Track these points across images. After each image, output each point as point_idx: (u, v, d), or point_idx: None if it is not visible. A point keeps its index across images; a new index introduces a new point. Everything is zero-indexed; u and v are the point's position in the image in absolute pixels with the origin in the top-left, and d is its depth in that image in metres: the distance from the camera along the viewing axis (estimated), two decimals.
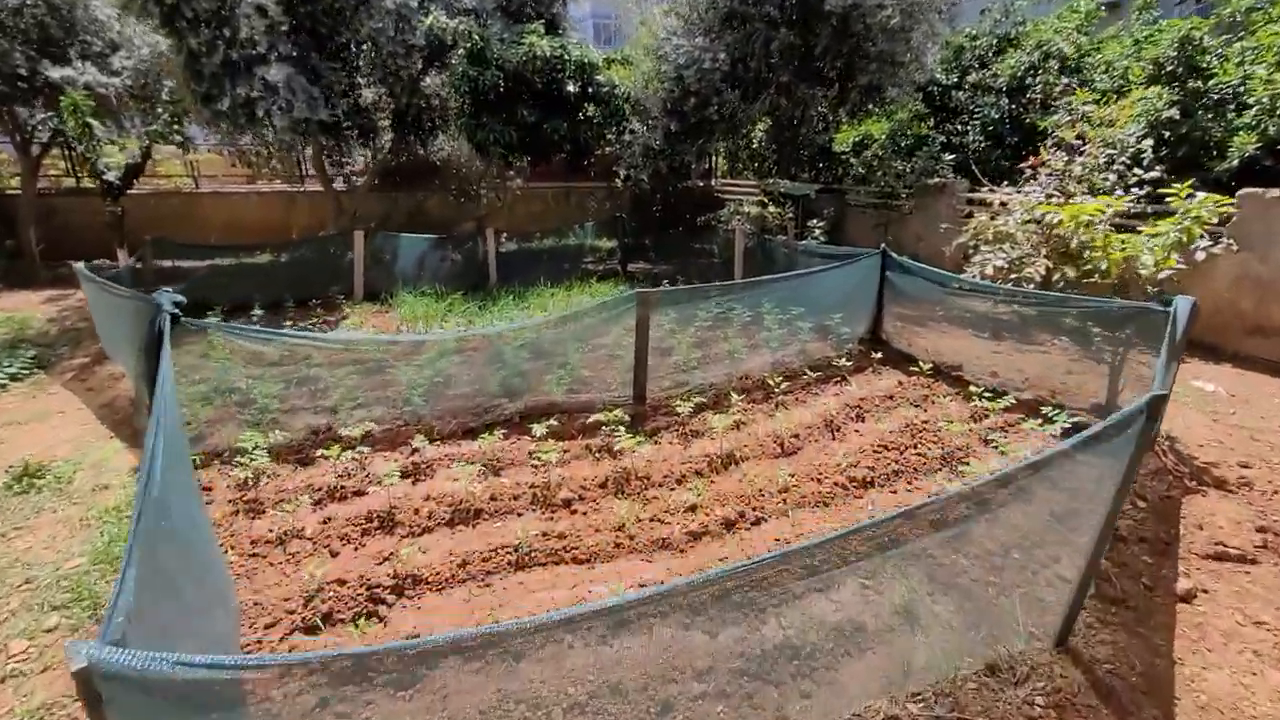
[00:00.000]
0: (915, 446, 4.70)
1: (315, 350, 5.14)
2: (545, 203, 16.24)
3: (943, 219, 9.77)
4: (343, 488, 4.10)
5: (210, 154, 14.68)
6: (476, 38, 9.72)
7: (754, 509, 3.88)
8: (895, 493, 4.14)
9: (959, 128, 11.28)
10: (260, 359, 5.25)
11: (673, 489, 4.18)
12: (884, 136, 12.07)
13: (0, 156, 12.84)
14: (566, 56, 10.32)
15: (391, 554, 3.46)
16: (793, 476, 4.24)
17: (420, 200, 14.79)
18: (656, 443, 4.87)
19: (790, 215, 9.23)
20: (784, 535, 3.62)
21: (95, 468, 4.48)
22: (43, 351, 6.86)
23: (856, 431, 5.06)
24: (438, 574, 3.22)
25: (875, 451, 4.62)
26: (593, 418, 4.70)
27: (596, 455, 4.62)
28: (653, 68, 11.00)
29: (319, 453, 4.59)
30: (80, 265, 6.16)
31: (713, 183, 16.94)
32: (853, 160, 13.07)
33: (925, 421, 5.03)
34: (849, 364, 6.17)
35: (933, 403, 5.51)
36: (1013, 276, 6.85)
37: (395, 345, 5.42)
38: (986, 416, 5.12)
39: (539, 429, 4.56)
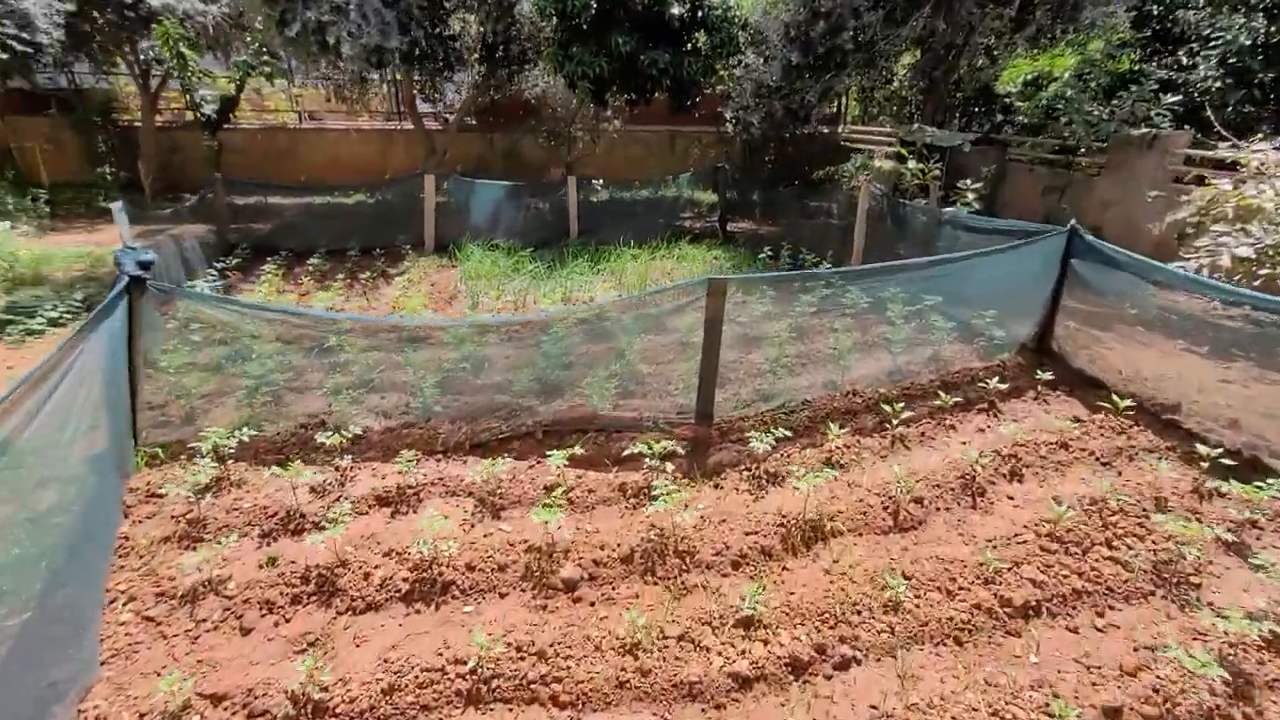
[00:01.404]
0: (1108, 543, 3.10)
1: (304, 324, 4.26)
2: (646, 147, 14.78)
3: (1148, 184, 7.37)
4: (302, 516, 3.21)
5: (310, 89, 14.48)
6: None
7: (842, 637, 2.55)
8: (1076, 632, 2.63)
9: (1184, 61, 8.48)
10: (265, 331, 4.48)
11: (725, 574, 2.93)
12: (1069, 73, 9.43)
13: (128, 89, 13.25)
14: None
15: (315, 642, 2.52)
16: (908, 580, 2.84)
17: (514, 141, 13.88)
18: (717, 486, 3.59)
19: (935, 172, 7.25)
20: (887, 708, 2.28)
21: None
22: (102, 291, 6.64)
23: (1010, 500, 3.50)
24: (352, 704, 2.22)
25: (1041, 545, 3.08)
26: (636, 445, 3.49)
27: (630, 502, 3.43)
28: None
29: (300, 455, 3.78)
30: (117, 205, 5.70)
31: (840, 129, 14.62)
32: (1020, 104, 10.48)
33: (1123, 497, 3.36)
34: (1001, 384, 4.48)
35: (1133, 462, 3.78)
36: (1261, 272, 4.84)
37: (392, 329, 4.43)
38: (1224, 496, 3.38)
39: (560, 457, 3.43)
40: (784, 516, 3.26)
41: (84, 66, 12.22)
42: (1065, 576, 2.87)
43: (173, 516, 3.24)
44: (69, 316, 5.94)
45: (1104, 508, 3.31)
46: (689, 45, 9.48)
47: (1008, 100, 10.84)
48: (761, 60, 9.31)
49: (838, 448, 3.88)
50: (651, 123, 14.24)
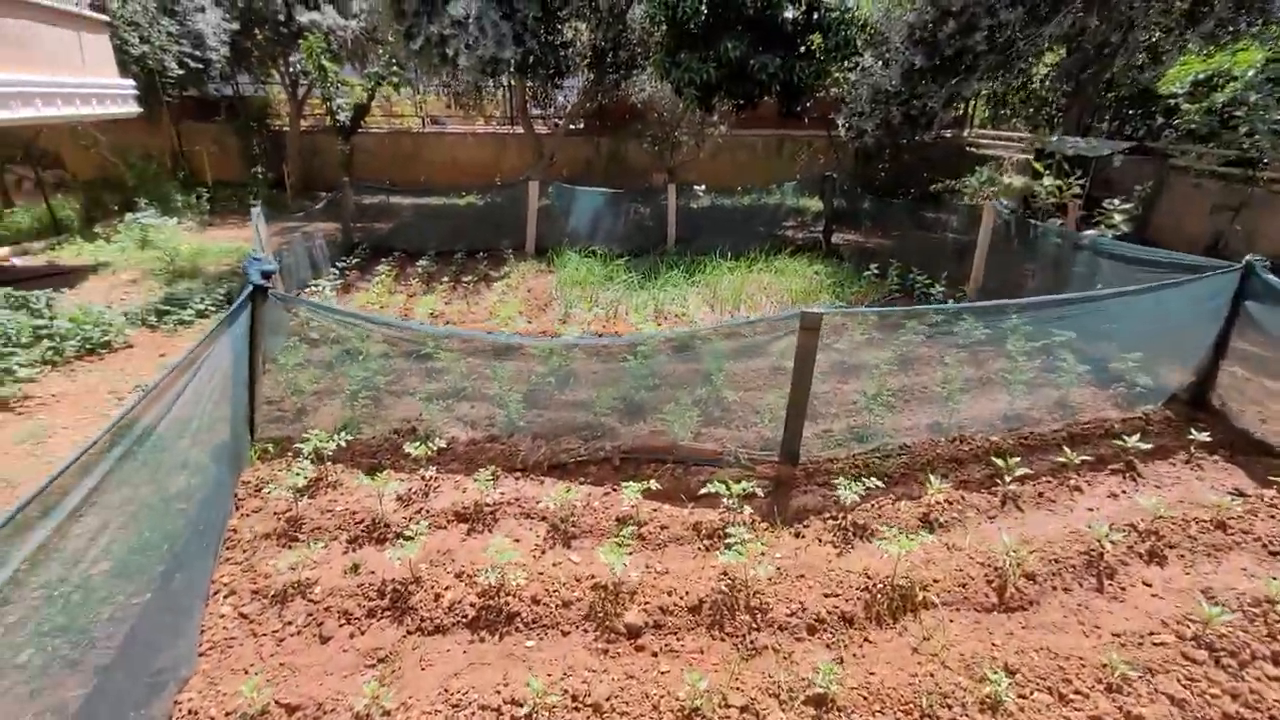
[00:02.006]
0: (1274, 659, 2.57)
1: (400, 334, 4.45)
2: (752, 152, 14.43)
3: None
4: (386, 525, 3.34)
5: (433, 96, 15.36)
6: None
7: None
8: None
9: None
10: (366, 336, 4.74)
11: (799, 638, 2.72)
12: (1254, 72, 8.11)
13: (280, 98, 14.66)
14: None
15: (384, 659, 2.59)
16: (1012, 674, 2.50)
17: (620, 144, 14.00)
18: (797, 535, 3.36)
19: (1075, 190, 6.45)
20: None
21: None
22: (240, 288, 7.35)
23: (1147, 587, 3.01)
24: None
25: (1184, 650, 2.61)
26: (714, 483, 3.34)
27: (703, 543, 3.28)
28: None
29: (391, 461, 3.96)
30: (256, 209, 6.27)
31: (964, 133, 13.53)
32: (1187, 106, 9.16)
33: None
34: (1144, 442, 3.88)
35: None
36: None
37: (479, 345, 4.51)
38: None
39: (636, 489, 3.34)
40: (870, 579, 2.99)
41: (245, 77, 13.69)
42: (1215, 697, 2.41)
43: (275, 513, 3.48)
44: (213, 309, 6.63)
45: (1271, 612, 2.76)
46: (802, 48, 9.10)
47: (1172, 102, 9.52)
48: (880, 63, 8.74)
49: (937, 503, 3.52)
50: (758, 126, 13.88)
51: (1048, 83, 9.83)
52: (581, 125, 14.38)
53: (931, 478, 3.57)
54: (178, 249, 8.32)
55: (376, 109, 14.53)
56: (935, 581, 2.98)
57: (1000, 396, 4.62)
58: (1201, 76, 9.24)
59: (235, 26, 10.87)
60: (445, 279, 7.82)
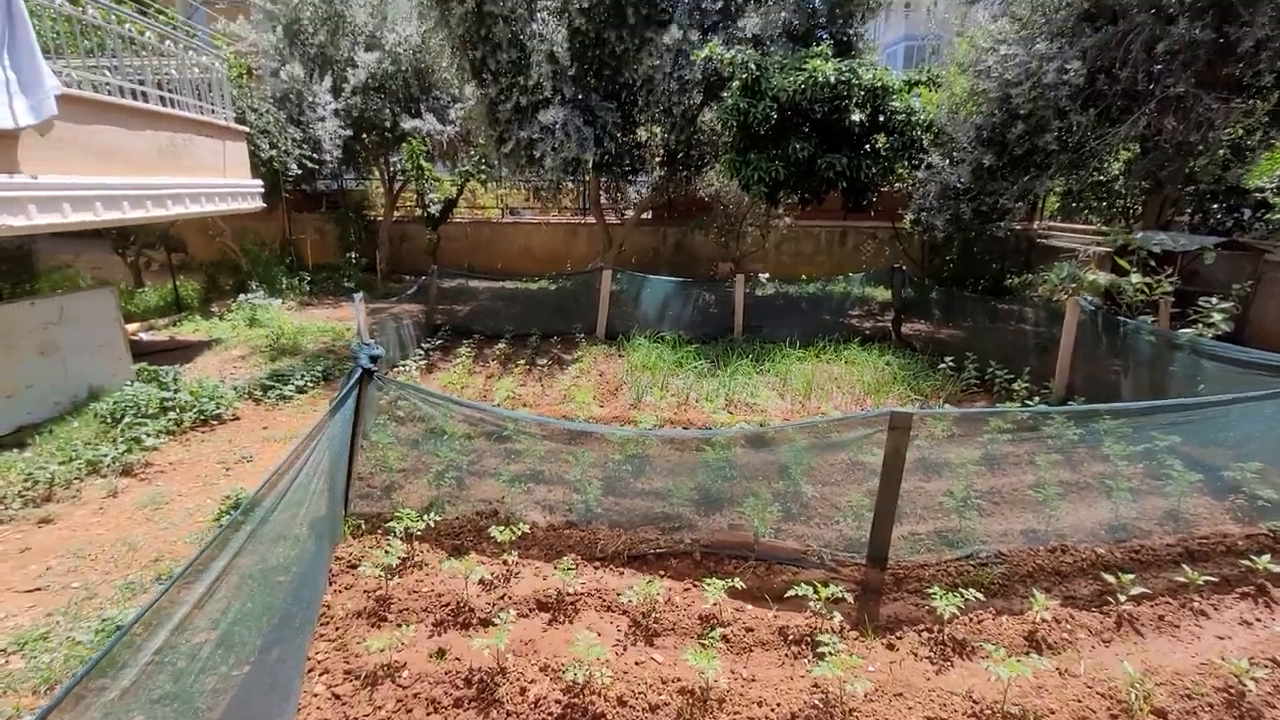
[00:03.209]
0: None
1: (492, 419, 4.64)
2: (816, 243, 14.74)
3: None
4: (470, 610, 3.38)
5: (511, 189, 16.58)
6: (752, 67, 8.81)
7: None
8: None
9: None
10: (454, 415, 4.98)
11: None
12: None
13: (377, 190, 16.16)
14: (855, 81, 8.80)
15: None
16: None
17: (686, 234, 14.59)
18: (890, 647, 3.19)
19: (1166, 287, 6.25)
20: None
21: None
22: (336, 364, 7.90)
23: None
24: None
25: None
26: (800, 586, 3.25)
27: (791, 649, 3.16)
28: (966, 87, 8.83)
29: (474, 543, 4.05)
30: (358, 296, 6.82)
31: (1035, 225, 13.43)
32: (1277, 200, 8.88)
33: None
34: (1275, 564, 3.56)
35: None
36: None
37: (561, 431, 4.64)
38: None
39: (719, 586, 3.29)
40: (976, 704, 2.78)
41: (350, 174, 15.24)
42: None
43: (365, 591, 3.58)
44: (311, 385, 7.11)
45: None
46: (868, 147, 9.44)
47: (1260, 195, 9.25)
48: (947, 161, 8.94)
49: (1043, 621, 3.28)
50: (823, 218, 14.23)
51: (1123, 179, 9.76)
52: (649, 215, 15.12)
53: (1035, 592, 3.36)
54: (281, 328, 9.06)
55: (461, 200, 15.74)
56: (1051, 713, 2.75)
57: (1102, 504, 4.36)
58: None
59: (349, 133, 12.23)
60: (521, 361, 8.16)
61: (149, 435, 5.39)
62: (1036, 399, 6.27)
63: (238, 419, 6.26)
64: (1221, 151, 8.01)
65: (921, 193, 9.43)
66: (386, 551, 3.69)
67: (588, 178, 12.48)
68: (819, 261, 14.43)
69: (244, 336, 9.16)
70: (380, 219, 15.10)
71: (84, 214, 5.42)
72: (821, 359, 8.20)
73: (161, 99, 6.89)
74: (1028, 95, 7.54)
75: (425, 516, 3.99)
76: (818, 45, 9.39)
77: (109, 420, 5.62)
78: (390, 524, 3.97)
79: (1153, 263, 7.02)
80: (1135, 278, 6.37)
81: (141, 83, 6.68)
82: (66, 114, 5.16)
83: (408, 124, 12.27)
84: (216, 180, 7.69)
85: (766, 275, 12.63)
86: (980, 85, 8.40)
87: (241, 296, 10.24)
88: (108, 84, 6.16)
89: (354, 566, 3.78)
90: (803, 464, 4.46)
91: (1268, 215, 8.98)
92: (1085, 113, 7.46)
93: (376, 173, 14.86)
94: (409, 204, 16.29)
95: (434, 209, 13.87)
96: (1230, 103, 7.02)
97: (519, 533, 3.87)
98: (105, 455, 4.99)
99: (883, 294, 11.44)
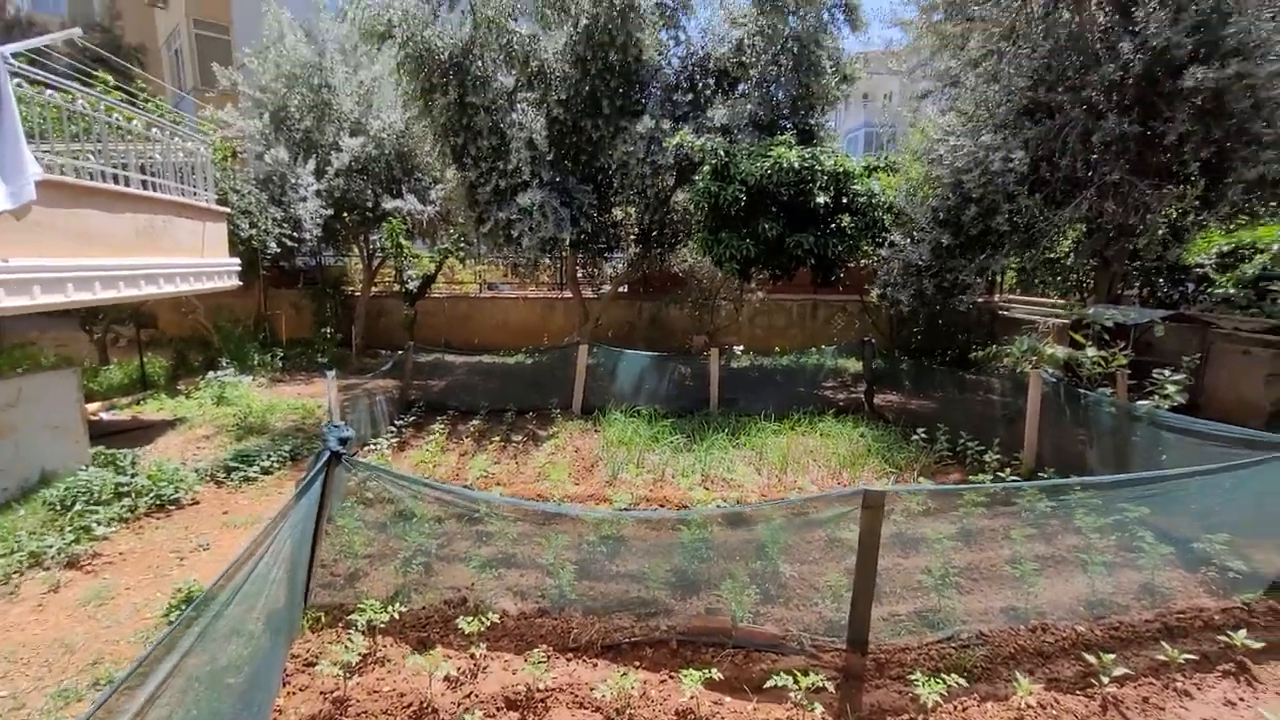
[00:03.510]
0: None
1: (463, 502, 4.54)
2: (789, 316, 15.13)
3: None
4: (434, 711, 3.19)
5: (489, 265, 16.91)
6: (721, 153, 9.32)
7: None
8: None
9: None
10: (424, 495, 4.85)
11: None
12: (1278, 245, 8.46)
13: (355, 266, 16.33)
14: (818, 166, 9.34)
15: None
16: None
17: (661, 308, 14.89)
18: None
19: (1122, 360, 6.52)
20: None
21: None
22: (305, 443, 7.71)
23: None
24: None
25: None
26: (779, 675, 3.14)
27: None
28: (922, 173, 9.42)
29: (440, 635, 3.86)
30: (331, 373, 6.75)
31: (995, 298, 14.03)
32: (1216, 276, 9.45)
33: None
34: (1252, 640, 3.55)
35: None
36: None
37: (534, 513, 4.56)
38: None
39: (696, 677, 3.16)
40: None
41: (328, 250, 15.42)
42: None
43: (322, 693, 3.36)
44: (277, 466, 6.91)
45: None
46: (834, 226, 9.90)
47: (1200, 271, 9.84)
48: (908, 240, 9.40)
49: (1029, 707, 3.20)
50: (794, 292, 14.68)
51: (1073, 256, 10.33)
52: (625, 290, 15.45)
53: (1018, 675, 3.29)
54: (250, 406, 8.88)
55: (440, 276, 15.95)
56: None
57: (1078, 578, 4.35)
58: (1226, 248, 9.64)
59: (330, 212, 12.48)
60: (496, 438, 8.06)
61: (100, 524, 5.13)
62: (1007, 470, 6.35)
63: (197, 503, 6.01)
64: (1160, 232, 8.55)
65: (886, 269, 9.84)
66: (347, 647, 3.49)
67: (565, 255, 12.80)
68: (792, 334, 14.77)
69: (210, 415, 8.93)
70: (358, 294, 15.19)
71: (54, 296, 5.38)
72: (797, 431, 8.25)
73: (144, 182, 7.01)
74: (978, 181, 8.05)
75: (390, 607, 3.81)
76: (782, 134, 10.00)
77: (58, 507, 5.36)
78: (352, 616, 3.78)
79: (1107, 336, 7.33)
80: (1091, 351, 6.62)
81: (125, 166, 6.81)
82: (46, 198, 5.21)
83: (389, 204, 12.58)
84: (194, 260, 7.73)
85: (741, 348, 12.86)
86: (934, 171, 8.97)
87: (210, 374, 10.06)
88: (90, 168, 6.27)
89: (311, 665, 3.56)
90: (780, 542, 4.41)
91: (1209, 289, 9.52)
92: (1032, 197, 7.98)
93: (356, 250, 15.07)
94: (387, 279, 16.46)
95: (412, 285, 14.01)
96: (1162, 189, 7.58)
97: (488, 623, 3.70)
98: (50, 546, 4.73)
99: (855, 366, 11.68)
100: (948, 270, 8.93)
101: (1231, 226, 8.90)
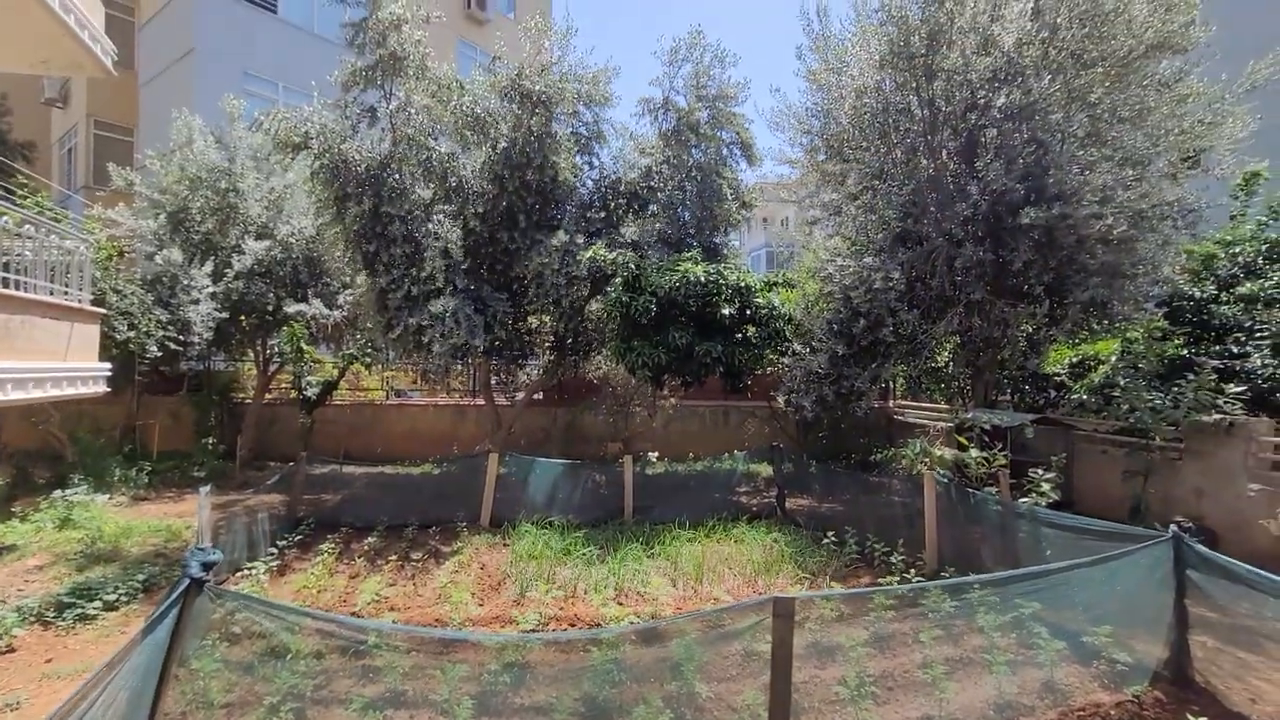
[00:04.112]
0: None
1: (347, 631, 4.06)
2: (701, 421, 15.44)
3: (1242, 473, 6.96)
4: None
5: (400, 371, 16.40)
6: (632, 267, 9.81)
7: None
8: None
9: (1233, 349, 8.64)
10: (303, 627, 4.30)
11: None
12: (1115, 357, 9.71)
13: (249, 372, 15.31)
14: (722, 281, 9.98)
15: None
16: None
17: (576, 415, 14.80)
18: None
19: (1001, 460, 7.07)
20: None
21: None
22: (164, 571, 6.75)
23: None
24: None
25: None
26: None
27: None
28: (816, 289, 10.28)
29: None
30: (204, 490, 6.08)
31: (890, 403, 15.06)
32: (1071, 384, 10.66)
33: None
34: None
35: None
36: None
37: (430, 641, 4.16)
38: None
39: None
40: None
41: (219, 355, 14.42)
42: None
43: None
44: (125, 599, 5.96)
45: None
46: (740, 336, 10.46)
47: (1059, 378, 11.08)
48: (808, 349, 10.06)
49: None
50: (706, 398, 15.09)
51: (951, 365, 11.38)
52: (540, 397, 15.32)
53: None
54: (101, 529, 7.75)
55: (343, 383, 15.22)
56: None
57: (985, 679, 4.39)
58: (1075, 360, 10.96)
59: (225, 315, 11.82)
60: (394, 556, 7.41)
61: None
62: (913, 571, 6.50)
63: (13, 650, 5.01)
64: (1020, 345, 9.65)
65: (789, 376, 10.39)
66: None
67: (478, 361, 12.66)
68: (705, 439, 15.00)
69: (49, 541, 7.69)
70: (249, 401, 14.14)
71: None
72: (712, 539, 8.16)
73: (4, 280, 6.40)
74: (863, 297, 8.87)
75: None
76: (689, 251, 10.71)
77: None
78: None
79: (986, 438, 7.96)
80: (975, 452, 7.14)
81: None
82: None
83: (291, 308, 12.10)
84: (54, 364, 6.97)
85: (655, 454, 12.88)
86: (826, 288, 9.83)
87: (57, 492, 8.78)
88: None
89: None
90: (695, 660, 4.19)
91: (1068, 395, 10.67)
92: (910, 312, 8.84)
93: (251, 354, 14.20)
94: (284, 386, 15.50)
95: (311, 391, 13.22)
96: (1017, 307, 8.65)
97: None
98: None
99: (766, 470, 11.92)
100: (844, 378, 9.54)
101: (1076, 340, 10.19)
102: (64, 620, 5.50)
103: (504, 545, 7.99)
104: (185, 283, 11.44)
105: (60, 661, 4.89)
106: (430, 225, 9.57)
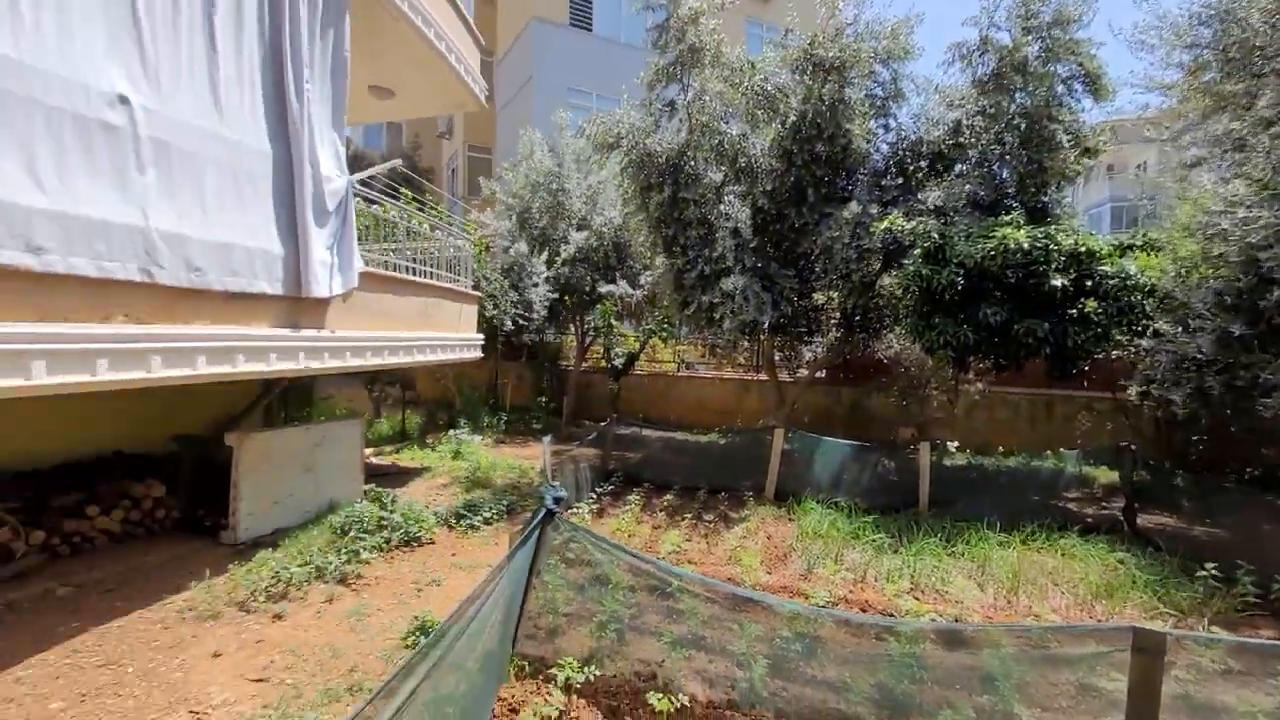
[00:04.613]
0: None
1: (658, 573, 4.61)
2: (1015, 411, 13.34)
3: None
4: None
5: (688, 345, 17.62)
6: (935, 236, 8.86)
7: None
8: None
9: None
10: (616, 565, 5.04)
11: None
12: None
13: (569, 344, 18.15)
14: (1052, 246, 8.39)
15: None
16: None
17: (863, 395, 14.13)
18: None
19: None
20: None
21: None
22: (519, 500, 8.54)
23: None
24: None
25: None
26: None
27: None
28: (1196, 251, 7.97)
29: (630, 708, 3.89)
30: (547, 438, 7.48)
31: None
32: None
33: None
34: None
35: None
36: None
37: (725, 595, 4.43)
38: None
39: None
40: None
41: (550, 329, 17.41)
42: None
43: None
44: (495, 518, 7.72)
45: None
46: (1074, 312, 8.70)
47: None
48: (1182, 329, 7.87)
49: None
50: (1023, 385, 12.97)
51: None
52: (823, 375, 14.99)
53: None
54: (478, 462, 10.13)
55: (643, 355, 17.01)
56: None
57: None
58: None
59: (555, 296, 14.21)
60: (688, 515, 8.14)
61: (365, 550, 6.17)
62: None
63: (433, 543, 6.93)
64: None
65: (1150, 362, 8.32)
66: (547, 701, 3.68)
67: (763, 338, 12.92)
68: (1019, 432, 12.94)
69: (448, 467, 10.36)
70: (570, 368, 16.79)
71: (359, 360, 6.83)
72: (1030, 547, 7.08)
73: (423, 273, 8.72)
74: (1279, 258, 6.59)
75: (585, 669, 3.96)
76: (1006, 214, 9.23)
77: (338, 532, 6.56)
78: (552, 671, 4.00)
79: None
80: None
81: (414, 260, 8.57)
82: (361, 285, 6.74)
83: (604, 288, 13.95)
84: (452, 335, 9.29)
85: (955, 445, 11.58)
86: (1214, 248, 7.56)
87: (450, 431, 11.74)
88: (390, 262, 8.00)
89: (514, 711, 3.80)
90: (1013, 677, 3.74)
91: None
92: None
93: (572, 328, 16.81)
94: (596, 356, 17.98)
95: (618, 361, 15.13)
96: None
97: (677, 704, 3.66)
98: (330, 564, 5.77)
99: (1107, 476, 9.81)
100: (1241, 366, 7.25)
101: None
102: (460, 526, 7.39)
103: (789, 519, 8.13)
104: (529, 269, 14.05)
105: (460, 556, 6.60)
106: (721, 207, 10.02)
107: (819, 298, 11.96)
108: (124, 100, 4.39)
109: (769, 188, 10.34)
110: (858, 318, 11.43)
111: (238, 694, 4.03)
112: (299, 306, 5.96)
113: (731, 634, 4.44)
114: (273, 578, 5.45)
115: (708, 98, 10.55)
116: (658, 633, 4.68)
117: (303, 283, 5.87)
